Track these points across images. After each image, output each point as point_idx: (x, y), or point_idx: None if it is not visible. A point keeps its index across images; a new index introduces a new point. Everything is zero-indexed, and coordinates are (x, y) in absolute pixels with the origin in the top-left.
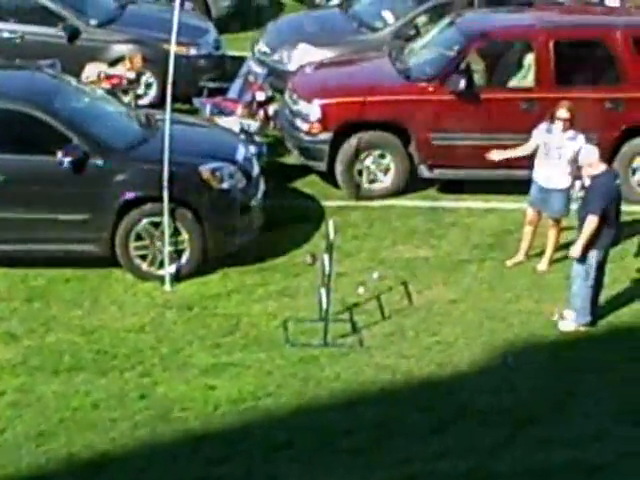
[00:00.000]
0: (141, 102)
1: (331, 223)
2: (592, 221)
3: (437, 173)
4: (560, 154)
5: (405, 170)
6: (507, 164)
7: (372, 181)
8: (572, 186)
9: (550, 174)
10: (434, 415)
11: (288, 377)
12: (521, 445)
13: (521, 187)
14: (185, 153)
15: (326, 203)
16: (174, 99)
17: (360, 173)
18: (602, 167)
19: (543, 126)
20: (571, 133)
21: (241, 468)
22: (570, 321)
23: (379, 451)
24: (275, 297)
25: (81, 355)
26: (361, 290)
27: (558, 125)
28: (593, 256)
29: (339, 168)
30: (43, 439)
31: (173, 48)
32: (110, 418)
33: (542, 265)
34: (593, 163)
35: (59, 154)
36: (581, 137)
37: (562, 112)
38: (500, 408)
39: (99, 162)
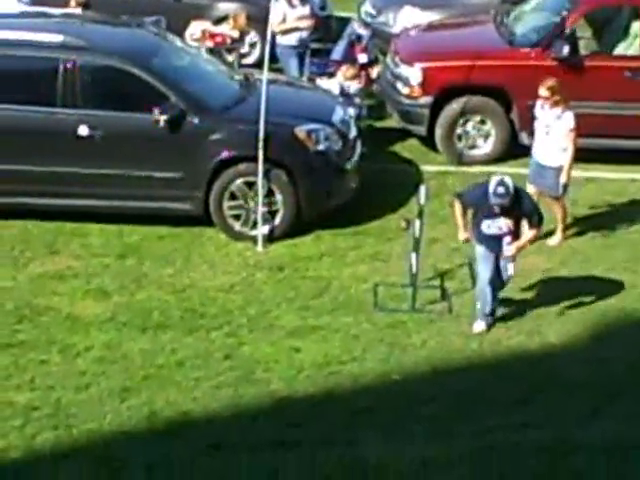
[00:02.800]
0: (245, 61)
1: (422, 188)
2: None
3: None
4: (548, 131)
5: (506, 137)
6: (608, 133)
7: (472, 147)
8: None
9: (543, 151)
10: (519, 385)
11: (374, 342)
12: (608, 419)
13: (621, 156)
14: (282, 114)
15: (424, 167)
16: (275, 58)
17: (460, 138)
18: None
19: (539, 102)
20: (558, 111)
21: (321, 432)
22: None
23: (461, 420)
24: (367, 261)
25: (170, 313)
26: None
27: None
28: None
29: (439, 133)
30: (126, 395)
31: (272, 5)
32: (194, 377)
33: (553, 240)
34: None
35: (155, 112)
36: (568, 114)
37: (541, 90)
38: (588, 380)
39: (195, 121)
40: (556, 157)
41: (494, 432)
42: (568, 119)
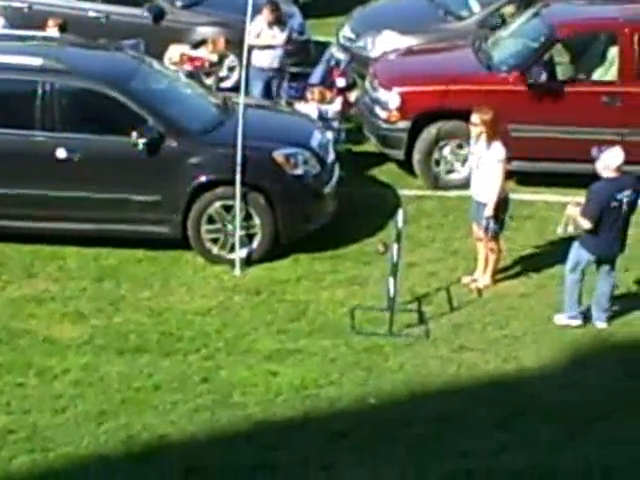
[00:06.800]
0: (223, 85)
1: (400, 212)
2: (583, 223)
3: (515, 165)
4: (478, 164)
5: None
6: (585, 158)
7: (449, 171)
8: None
9: (476, 186)
10: (497, 410)
11: (351, 366)
12: (584, 443)
13: None
14: (260, 138)
15: (402, 192)
16: None
17: (437, 163)
18: (611, 175)
19: (473, 135)
20: (485, 142)
21: (298, 456)
22: (563, 315)
23: (438, 444)
24: (344, 285)
25: (147, 336)
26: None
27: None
28: (583, 255)
29: (417, 157)
30: (103, 419)
31: (248, 29)
32: (171, 401)
33: (471, 281)
34: (609, 168)
35: (134, 135)
36: (497, 146)
37: (473, 117)
38: (564, 404)
39: (173, 144)
40: (483, 192)
41: (471, 456)
42: (497, 149)
